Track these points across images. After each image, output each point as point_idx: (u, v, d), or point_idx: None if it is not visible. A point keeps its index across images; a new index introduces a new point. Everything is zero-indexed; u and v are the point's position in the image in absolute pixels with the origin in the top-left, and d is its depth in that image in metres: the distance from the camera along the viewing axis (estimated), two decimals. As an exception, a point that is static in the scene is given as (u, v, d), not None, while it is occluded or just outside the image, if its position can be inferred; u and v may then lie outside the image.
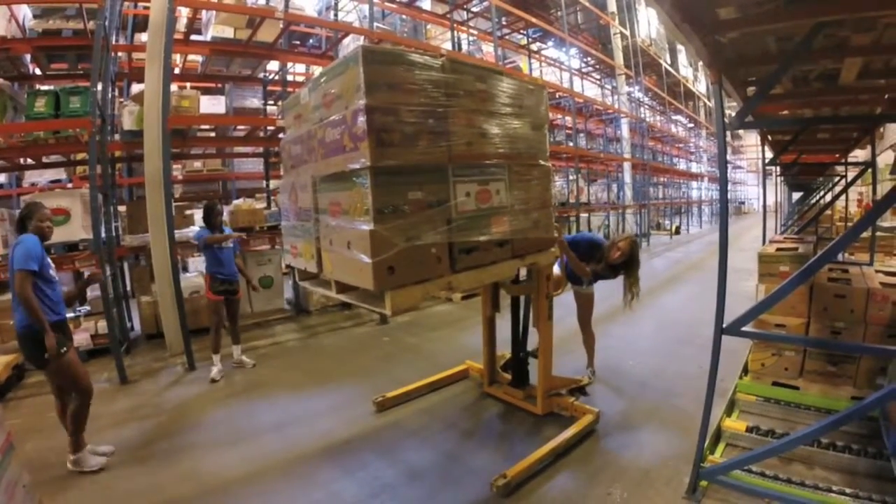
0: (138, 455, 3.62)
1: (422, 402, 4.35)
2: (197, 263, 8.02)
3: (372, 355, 5.81)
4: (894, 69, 3.02)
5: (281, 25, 6.45)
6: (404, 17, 9.89)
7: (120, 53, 7.06)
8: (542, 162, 3.45)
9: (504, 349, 4.58)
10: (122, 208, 6.97)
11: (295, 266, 3.52)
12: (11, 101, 5.12)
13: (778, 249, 4.24)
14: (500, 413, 4.14)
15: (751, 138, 37.18)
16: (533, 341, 4.37)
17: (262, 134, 7.85)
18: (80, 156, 6.74)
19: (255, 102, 7.64)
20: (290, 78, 8.90)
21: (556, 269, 4.26)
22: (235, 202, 7.54)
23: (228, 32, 6.16)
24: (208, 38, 6.29)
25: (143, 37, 7.02)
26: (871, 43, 2.54)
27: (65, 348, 3.28)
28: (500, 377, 4.51)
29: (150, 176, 5.47)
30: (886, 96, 3.64)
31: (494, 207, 3.02)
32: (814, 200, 10.84)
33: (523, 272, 4.06)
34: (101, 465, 3.45)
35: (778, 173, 7.62)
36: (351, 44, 7.61)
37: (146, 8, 6.67)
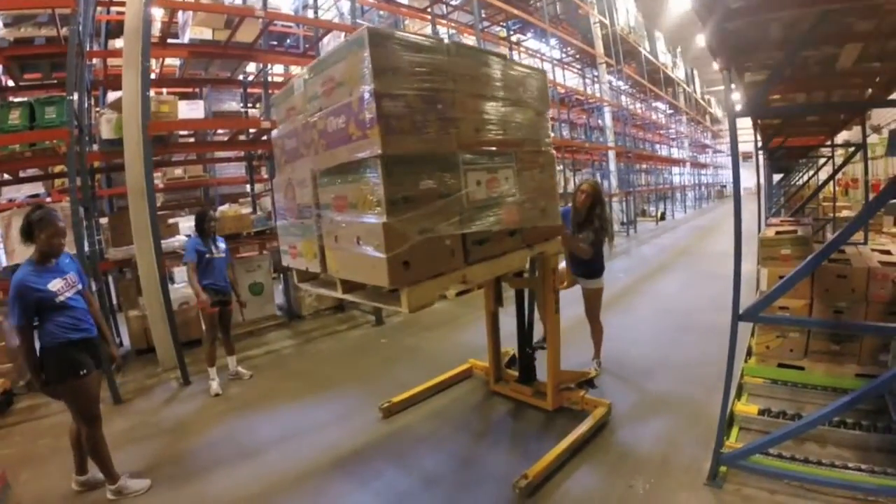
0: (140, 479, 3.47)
1: (428, 405, 4.28)
2: (184, 274, 7.82)
3: (371, 358, 5.72)
4: (889, 53, 3.03)
5: (260, 25, 6.28)
6: (382, 12, 9.75)
7: (94, 61, 6.82)
8: (545, 149, 3.39)
9: (506, 345, 4.52)
10: (103, 220, 6.76)
11: (294, 267, 3.37)
12: (-17, 114, 4.88)
13: (778, 233, 4.25)
14: (510, 411, 4.09)
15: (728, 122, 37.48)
16: (536, 334, 4.33)
17: (244, 137, 7.68)
18: (58, 168, 6.50)
19: (233, 105, 7.47)
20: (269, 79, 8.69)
21: (562, 264, 4.21)
22: (221, 208, 7.36)
23: (207, 34, 5.97)
24: (186, 40, 6.10)
25: (117, 43, 6.79)
26: (873, 29, 2.54)
27: (84, 370, 3.06)
28: (505, 374, 4.45)
29: (133, 185, 5.28)
30: (878, 79, 3.65)
31: (504, 196, 2.96)
32: (795, 182, 11.00)
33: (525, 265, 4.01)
34: (146, 487, 3.31)
35: (764, 157, 7.70)
36: (331, 42, 7.46)
37: (120, 13, 6.44)
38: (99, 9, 6.85)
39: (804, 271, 2.55)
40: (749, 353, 4.29)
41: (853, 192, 11.73)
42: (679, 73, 22.50)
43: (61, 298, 3.03)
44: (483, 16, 10.93)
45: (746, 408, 3.57)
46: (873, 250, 4.24)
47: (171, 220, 7.30)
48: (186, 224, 7.12)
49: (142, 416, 4.54)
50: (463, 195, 2.67)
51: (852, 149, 5.61)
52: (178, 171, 9.18)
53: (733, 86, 3.22)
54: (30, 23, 5.22)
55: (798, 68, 3.14)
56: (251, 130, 7.38)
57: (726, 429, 3.40)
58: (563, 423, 3.71)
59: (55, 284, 3.03)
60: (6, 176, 6.25)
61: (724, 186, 38.59)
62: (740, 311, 2.76)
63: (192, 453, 3.80)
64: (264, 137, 7.14)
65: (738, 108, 2.71)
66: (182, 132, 7.06)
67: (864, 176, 5.33)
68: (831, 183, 7.04)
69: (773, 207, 8.02)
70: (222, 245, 5.11)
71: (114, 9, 7.06)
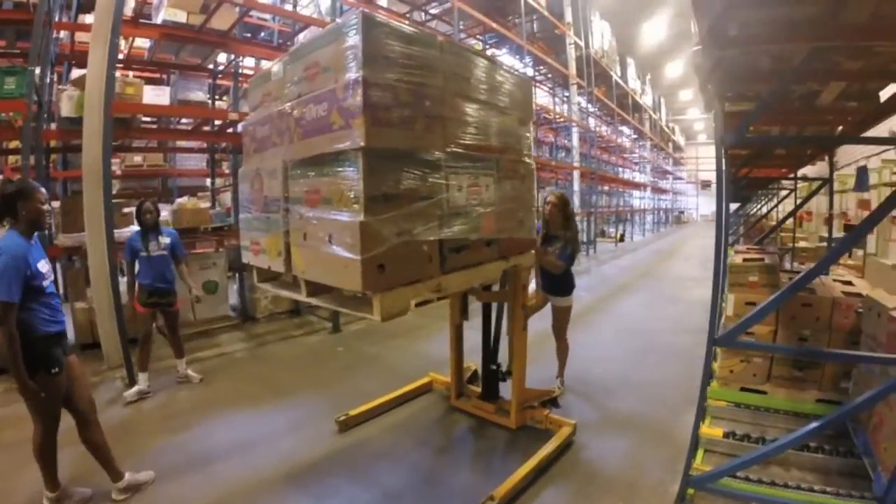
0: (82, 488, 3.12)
1: (387, 418, 4.10)
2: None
3: (328, 366, 5.50)
4: (867, 93, 3.12)
5: (237, 13, 6.05)
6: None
7: (62, 34, 6.43)
8: (526, 159, 3.33)
9: (468, 359, 4.39)
10: (55, 204, 6.31)
11: (255, 265, 3.11)
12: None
13: (745, 260, 4.33)
14: (472, 428, 3.96)
15: (690, 151, 39.21)
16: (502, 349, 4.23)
17: (208, 128, 7.37)
18: (13, 144, 6.05)
19: (200, 95, 7.17)
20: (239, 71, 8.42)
21: (532, 287, 4.10)
22: (179, 200, 7.03)
23: (181, 17, 5.68)
24: (159, 21, 5.78)
25: (87, 18, 6.41)
26: (858, 70, 2.60)
27: (56, 369, 2.70)
28: (467, 390, 4.31)
29: (89, 166, 4.90)
30: (850, 118, 3.76)
31: (484, 203, 2.87)
32: (754, 211, 11.45)
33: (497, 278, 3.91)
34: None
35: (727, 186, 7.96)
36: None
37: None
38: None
39: (781, 298, 2.55)
40: (711, 377, 4.32)
41: (807, 224, 12.32)
42: (647, 100, 23.23)
43: (46, 283, 2.69)
44: (461, 27, 10.95)
45: (711, 430, 3.58)
46: (835, 280, 4.37)
47: (125, 210, 6.87)
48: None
49: (79, 416, 4.17)
50: (444, 199, 2.56)
51: (818, 182, 5.83)
52: (138, 159, 8.80)
53: (709, 114, 3.26)
54: (-1, -15, 4.85)
55: (780, 101, 3.19)
56: (217, 122, 7.09)
57: (692, 451, 3.42)
58: (527, 441, 3.61)
59: (43, 266, 2.68)
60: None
61: (683, 212, 39.99)
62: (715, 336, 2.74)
63: (135, 460, 3.46)
64: (230, 130, 6.88)
65: (704, 137, 2.72)
66: (145, 118, 6.72)
67: (830, 210, 5.57)
68: (789, 215, 7.31)
69: (732, 236, 8.28)
70: (166, 240, 4.71)
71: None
